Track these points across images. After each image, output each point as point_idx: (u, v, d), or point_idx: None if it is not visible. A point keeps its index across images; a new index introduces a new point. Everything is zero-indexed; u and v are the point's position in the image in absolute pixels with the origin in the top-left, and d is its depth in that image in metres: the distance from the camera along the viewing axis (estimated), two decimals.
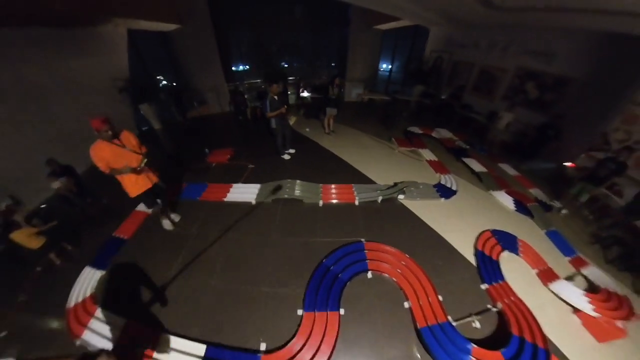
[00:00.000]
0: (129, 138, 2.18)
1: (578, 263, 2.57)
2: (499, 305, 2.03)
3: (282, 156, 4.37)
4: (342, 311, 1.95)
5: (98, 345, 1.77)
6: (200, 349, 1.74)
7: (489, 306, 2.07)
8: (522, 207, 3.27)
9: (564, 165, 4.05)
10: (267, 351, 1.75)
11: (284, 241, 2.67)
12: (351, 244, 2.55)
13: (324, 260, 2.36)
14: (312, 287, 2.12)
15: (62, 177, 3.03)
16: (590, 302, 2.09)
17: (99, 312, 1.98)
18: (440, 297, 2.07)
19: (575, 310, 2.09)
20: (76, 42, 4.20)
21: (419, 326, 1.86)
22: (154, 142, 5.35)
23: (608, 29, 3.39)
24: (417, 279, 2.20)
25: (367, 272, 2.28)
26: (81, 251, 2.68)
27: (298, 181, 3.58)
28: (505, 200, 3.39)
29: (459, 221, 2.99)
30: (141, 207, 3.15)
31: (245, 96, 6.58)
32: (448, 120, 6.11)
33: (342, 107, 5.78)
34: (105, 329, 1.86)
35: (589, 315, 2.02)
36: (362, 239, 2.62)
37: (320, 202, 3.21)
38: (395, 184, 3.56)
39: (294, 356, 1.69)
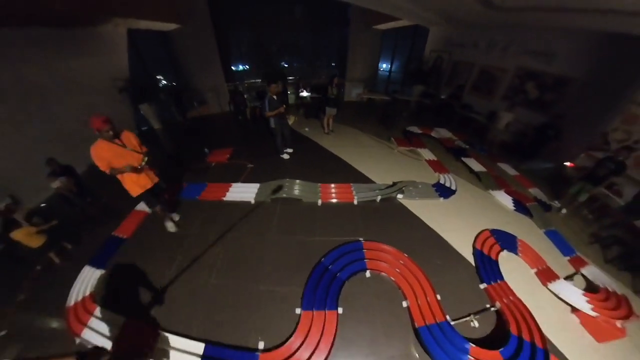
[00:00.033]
0: (129, 138, 2.18)
1: (577, 263, 2.57)
2: (498, 304, 2.03)
3: (282, 156, 4.38)
4: (340, 310, 1.96)
5: (98, 344, 1.77)
6: (199, 347, 1.74)
7: (487, 306, 2.07)
8: (521, 206, 3.27)
9: (564, 164, 4.05)
10: (265, 350, 1.75)
11: (282, 240, 2.67)
12: (350, 243, 2.55)
13: (322, 259, 2.36)
14: (310, 286, 2.12)
15: (62, 176, 3.05)
16: (589, 302, 2.09)
17: (98, 311, 1.99)
18: (438, 297, 2.07)
19: (574, 310, 2.08)
20: (76, 42, 4.21)
21: (417, 325, 1.86)
22: (154, 142, 5.36)
23: (608, 29, 3.39)
24: (416, 278, 2.20)
25: (366, 271, 2.28)
26: (81, 250, 2.69)
27: (297, 181, 3.58)
28: (505, 199, 3.39)
29: (458, 220, 2.99)
30: (140, 207, 3.16)
31: (245, 96, 6.59)
32: (448, 120, 6.11)
33: (341, 106, 5.78)
34: (105, 328, 1.87)
35: (588, 314, 2.02)
36: (361, 238, 2.62)
37: (319, 202, 3.21)
38: (394, 184, 3.56)
39: (292, 355, 1.70)
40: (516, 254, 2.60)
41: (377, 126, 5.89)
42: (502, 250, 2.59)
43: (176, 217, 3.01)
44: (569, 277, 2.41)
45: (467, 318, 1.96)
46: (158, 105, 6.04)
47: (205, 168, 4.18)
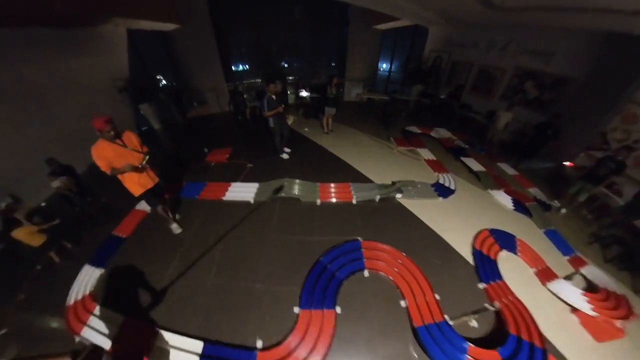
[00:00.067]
0: (130, 138, 2.18)
1: (577, 262, 2.56)
2: (497, 304, 2.03)
3: (281, 155, 4.38)
4: (338, 309, 1.96)
5: (97, 342, 1.78)
6: (198, 345, 1.75)
7: (486, 305, 2.06)
8: (520, 206, 3.26)
9: (563, 164, 4.04)
10: (264, 348, 1.75)
11: (281, 239, 2.67)
12: (348, 243, 2.55)
13: (320, 259, 2.36)
14: (308, 285, 2.12)
15: (62, 176, 3.06)
16: (588, 302, 2.08)
17: (98, 310, 2.00)
18: (437, 296, 2.07)
19: (574, 310, 2.08)
20: (76, 42, 4.22)
21: (415, 325, 1.86)
22: (153, 142, 5.37)
23: (607, 29, 3.38)
24: (414, 277, 2.20)
25: (364, 271, 2.28)
26: (81, 249, 2.70)
27: (296, 180, 3.58)
28: (504, 199, 3.38)
29: (457, 220, 2.98)
30: (140, 206, 3.17)
31: (245, 96, 6.60)
32: (447, 120, 6.10)
33: (340, 106, 5.79)
34: (105, 327, 1.87)
35: (587, 314, 2.01)
36: (359, 238, 2.62)
37: (318, 201, 3.21)
38: (393, 183, 3.56)
39: (290, 353, 1.70)
40: (515, 253, 2.59)
41: (377, 126, 5.89)
42: (501, 249, 2.59)
43: (177, 217, 3.01)
44: (568, 277, 2.40)
45: (466, 318, 1.96)
46: (158, 105, 6.05)
47: (204, 167, 4.19)
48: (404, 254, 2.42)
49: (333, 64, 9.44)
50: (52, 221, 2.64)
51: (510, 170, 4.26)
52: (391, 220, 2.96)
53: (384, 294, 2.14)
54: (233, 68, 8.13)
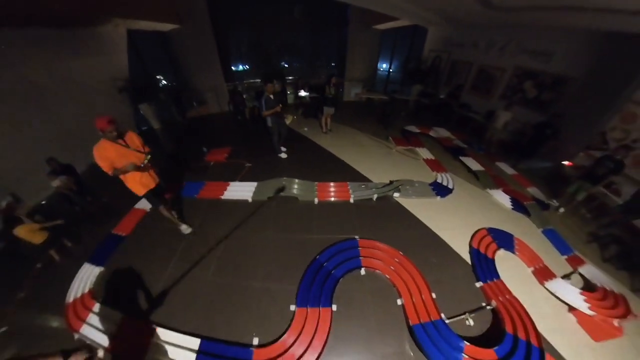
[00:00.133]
0: (132, 138, 2.20)
1: (575, 261, 2.56)
2: (494, 303, 2.03)
3: (280, 155, 4.39)
4: (334, 307, 1.96)
5: (96, 340, 1.79)
6: (195, 342, 1.76)
7: (483, 304, 2.06)
8: (519, 205, 3.26)
9: (562, 163, 4.03)
10: (260, 345, 1.76)
11: (278, 238, 2.68)
12: (345, 241, 2.55)
13: (317, 257, 2.37)
14: (305, 283, 2.13)
15: (62, 175, 3.08)
16: (586, 301, 2.08)
17: (97, 307, 2.01)
18: (434, 295, 2.07)
19: (571, 309, 2.07)
20: (76, 42, 4.24)
21: (411, 323, 1.86)
22: (153, 141, 5.38)
23: (606, 28, 3.38)
24: (411, 276, 2.20)
25: (361, 269, 2.29)
26: (80, 248, 2.72)
27: (294, 179, 3.59)
28: (502, 198, 3.38)
29: (455, 219, 2.98)
30: (140, 205, 3.18)
31: (244, 96, 6.61)
32: (446, 120, 6.10)
33: (339, 106, 5.78)
34: (103, 324, 1.89)
35: (585, 313, 2.00)
36: (356, 236, 2.62)
37: (316, 200, 3.22)
38: (391, 182, 3.56)
39: (286, 350, 1.70)
40: (513, 252, 2.59)
41: (376, 126, 5.89)
42: (498, 248, 2.58)
43: (176, 215, 3.02)
44: (566, 276, 2.40)
45: (463, 316, 1.95)
46: (158, 105, 6.07)
47: (204, 167, 4.21)
48: (401, 253, 2.43)
49: (333, 64, 9.46)
50: (54, 220, 2.66)
51: (509, 170, 4.25)
52: (389, 219, 2.96)
53: (381, 292, 2.14)
54: (233, 68, 8.16)
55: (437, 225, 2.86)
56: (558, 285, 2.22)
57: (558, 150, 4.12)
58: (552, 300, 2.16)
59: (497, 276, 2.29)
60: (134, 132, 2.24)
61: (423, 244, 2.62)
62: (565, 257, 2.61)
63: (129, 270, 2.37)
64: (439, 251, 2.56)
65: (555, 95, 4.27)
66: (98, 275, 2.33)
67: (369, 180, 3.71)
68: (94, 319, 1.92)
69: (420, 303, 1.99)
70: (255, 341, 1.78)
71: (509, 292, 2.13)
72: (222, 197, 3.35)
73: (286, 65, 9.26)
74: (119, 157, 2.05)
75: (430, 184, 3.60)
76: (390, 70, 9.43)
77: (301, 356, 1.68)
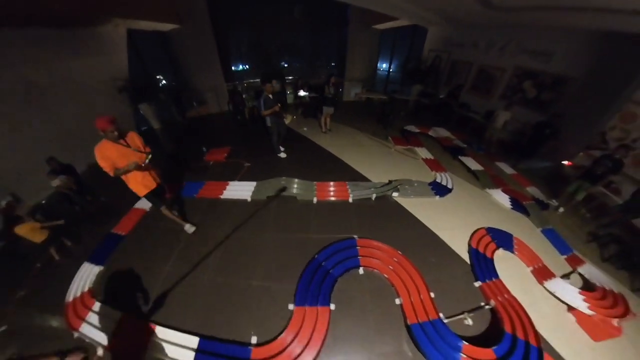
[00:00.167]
0: (133, 138, 2.20)
1: (574, 261, 2.55)
2: (492, 302, 2.03)
3: (279, 154, 4.40)
4: (332, 306, 1.96)
5: (95, 338, 1.80)
6: (193, 341, 1.76)
7: (482, 303, 2.06)
8: (518, 205, 3.25)
9: (562, 163, 4.02)
10: (258, 344, 1.76)
11: (277, 237, 2.68)
12: (344, 241, 2.55)
13: (316, 256, 2.37)
14: (303, 282, 2.13)
15: (62, 175, 3.08)
16: (585, 300, 2.08)
17: (96, 306, 2.02)
18: (432, 294, 2.07)
19: (570, 309, 2.07)
20: (76, 42, 4.25)
21: (409, 322, 1.86)
22: (153, 141, 5.38)
23: (606, 28, 3.37)
24: (409, 275, 2.19)
25: (359, 268, 2.29)
26: (80, 247, 2.73)
27: (293, 179, 3.59)
28: (502, 198, 3.38)
29: (454, 219, 2.98)
30: (139, 205, 3.19)
31: (244, 96, 6.62)
32: (446, 119, 6.10)
33: (339, 106, 5.79)
34: (103, 323, 1.89)
35: (584, 313, 2.00)
36: (355, 236, 2.62)
37: (315, 200, 3.22)
38: (390, 182, 3.56)
39: (284, 349, 1.71)
40: (512, 252, 2.59)
41: (375, 125, 5.89)
42: (497, 248, 2.58)
43: (175, 214, 3.02)
44: (565, 276, 2.40)
45: (461, 316, 1.95)
46: (157, 105, 6.08)
47: (203, 167, 4.21)
48: (400, 252, 2.42)
49: (333, 64, 9.46)
50: (56, 220, 2.67)
51: (509, 170, 4.25)
52: (387, 218, 2.96)
53: (379, 292, 2.14)
54: (232, 68, 8.16)
55: (436, 225, 2.86)
56: (557, 285, 2.22)
57: (558, 150, 4.12)
58: (551, 299, 2.16)
59: (496, 276, 2.29)
60: (134, 132, 2.24)
61: (422, 244, 2.62)
62: (565, 256, 2.61)
63: (128, 270, 2.37)
64: (438, 251, 2.56)
65: (555, 95, 4.26)
66: (98, 275, 2.34)
67: (367, 180, 3.71)
68: (93, 317, 1.93)
69: (419, 302, 1.99)
70: (254, 340, 1.78)
71: (508, 292, 2.13)
72: (222, 196, 3.35)
73: (286, 65, 9.27)
74: (121, 157, 2.06)
75: (430, 184, 3.60)
76: (390, 70, 9.42)
77: (299, 355, 1.68)
